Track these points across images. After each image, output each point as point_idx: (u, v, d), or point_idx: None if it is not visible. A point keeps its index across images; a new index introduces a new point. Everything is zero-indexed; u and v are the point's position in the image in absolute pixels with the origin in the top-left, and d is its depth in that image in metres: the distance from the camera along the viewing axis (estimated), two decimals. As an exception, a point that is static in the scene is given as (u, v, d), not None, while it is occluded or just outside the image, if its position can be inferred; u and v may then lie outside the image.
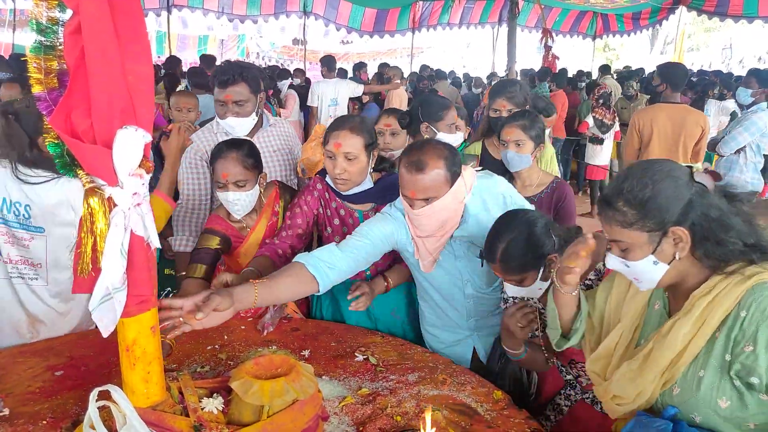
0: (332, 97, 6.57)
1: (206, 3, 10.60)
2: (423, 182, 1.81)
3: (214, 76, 2.63)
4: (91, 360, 1.93)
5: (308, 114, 7.40)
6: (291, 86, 8.32)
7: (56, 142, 1.17)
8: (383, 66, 9.18)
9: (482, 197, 2.02)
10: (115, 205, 1.18)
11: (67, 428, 1.53)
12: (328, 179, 2.20)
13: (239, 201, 2.16)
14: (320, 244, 2.31)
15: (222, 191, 2.16)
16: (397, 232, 2.01)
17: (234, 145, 2.18)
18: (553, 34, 11.92)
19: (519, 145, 2.52)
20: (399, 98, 7.39)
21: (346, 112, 6.72)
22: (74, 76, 1.14)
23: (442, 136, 2.66)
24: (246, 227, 2.28)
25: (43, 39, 1.15)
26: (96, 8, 1.11)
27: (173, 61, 8.60)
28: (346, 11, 11.59)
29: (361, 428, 1.57)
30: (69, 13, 1.16)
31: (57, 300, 2.10)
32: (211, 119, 2.73)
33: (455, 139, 2.89)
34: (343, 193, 2.18)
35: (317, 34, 16.41)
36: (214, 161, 2.17)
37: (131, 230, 1.20)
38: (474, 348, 2.20)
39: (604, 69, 10.37)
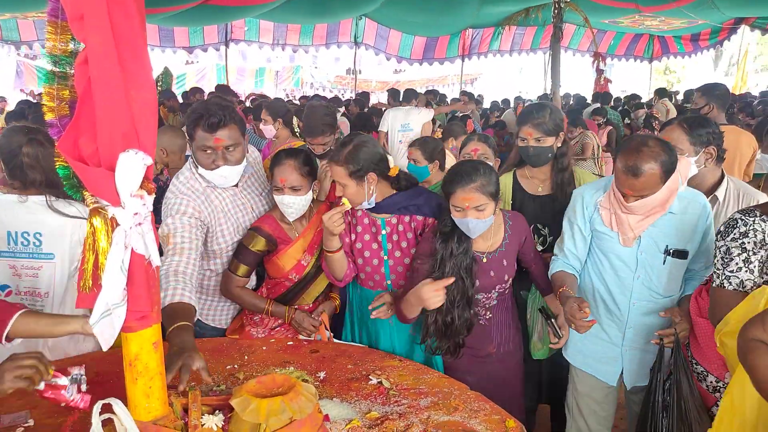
0: (403, 123, 6.61)
1: (261, 36, 11.06)
2: (638, 185, 1.95)
3: (192, 118, 2.17)
4: (115, 376, 1.99)
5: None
6: (343, 114, 8.52)
7: (65, 165, 1.24)
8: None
9: (685, 204, 2.10)
10: (117, 225, 1.24)
11: (83, 440, 1.59)
12: None
13: (294, 204, 2.28)
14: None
15: (279, 194, 2.27)
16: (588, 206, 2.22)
17: (291, 154, 2.31)
18: (606, 58, 11.75)
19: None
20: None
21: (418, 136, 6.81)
22: (82, 103, 1.22)
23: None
24: (295, 231, 2.38)
25: (56, 69, 1.24)
26: (101, 40, 1.19)
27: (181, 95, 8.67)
28: (395, 41, 11.83)
29: (363, 452, 1.56)
30: (82, 46, 1.26)
31: None
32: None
33: None
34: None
35: (370, 63, 16.79)
36: (273, 167, 2.28)
37: (132, 248, 1.25)
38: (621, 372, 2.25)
39: (661, 92, 10.08)
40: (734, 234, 1.78)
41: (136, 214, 1.25)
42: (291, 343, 2.31)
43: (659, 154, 1.90)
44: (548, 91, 12.56)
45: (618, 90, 14.08)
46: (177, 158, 3.29)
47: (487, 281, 2.21)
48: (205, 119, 2.11)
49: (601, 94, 9.57)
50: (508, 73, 23.12)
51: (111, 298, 1.22)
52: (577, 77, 17.34)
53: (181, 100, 8.68)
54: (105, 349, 1.28)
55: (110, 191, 1.22)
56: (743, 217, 1.78)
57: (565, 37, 8.16)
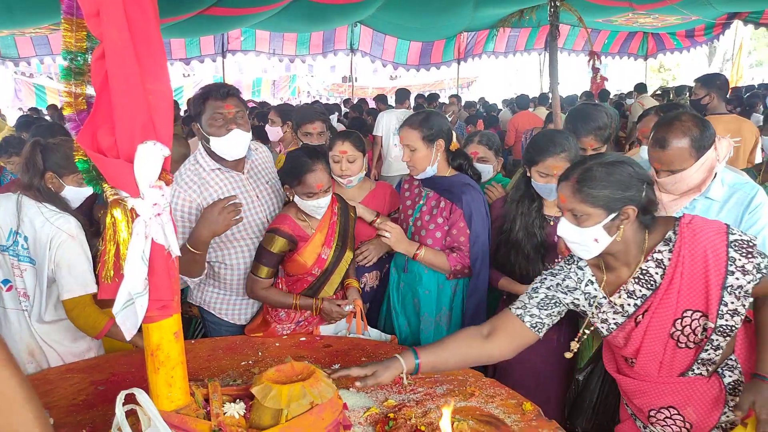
0: (398, 126, 6.59)
1: (258, 45, 11.10)
2: (664, 158, 1.95)
3: (201, 94, 2.29)
4: (131, 375, 2.02)
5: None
6: (339, 120, 8.58)
7: (84, 158, 1.26)
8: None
9: (731, 192, 2.05)
10: (137, 216, 1.26)
11: (104, 436, 1.60)
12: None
13: (327, 204, 2.33)
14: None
15: (312, 199, 2.28)
16: None
17: (316, 155, 2.32)
18: (601, 57, 11.78)
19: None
20: None
21: None
22: (99, 97, 1.25)
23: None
24: (311, 228, 2.41)
25: (73, 66, 1.27)
26: (118, 35, 1.22)
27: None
28: (391, 47, 11.85)
29: (383, 437, 1.57)
30: (97, 42, 1.28)
31: (44, 330, 2.23)
32: None
33: (483, 173, 2.85)
34: (417, 177, 2.50)
35: (366, 70, 16.88)
36: (303, 175, 2.25)
37: (152, 239, 1.27)
38: None
39: (640, 87, 10.14)
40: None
41: (155, 204, 1.27)
42: (304, 339, 2.33)
43: (690, 129, 1.91)
44: (545, 91, 12.69)
45: (613, 89, 14.15)
46: (178, 167, 3.32)
47: (552, 244, 2.29)
48: (215, 90, 2.26)
49: (589, 92, 9.64)
50: (504, 75, 23.22)
51: (133, 288, 1.24)
52: (572, 77, 17.42)
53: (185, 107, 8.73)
54: (128, 338, 1.29)
55: (129, 182, 1.24)
56: (563, 263, 1.83)
57: (559, 37, 8.19)
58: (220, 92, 2.25)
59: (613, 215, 1.57)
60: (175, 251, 1.33)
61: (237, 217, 2.15)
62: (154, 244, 1.28)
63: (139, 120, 1.25)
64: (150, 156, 1.24)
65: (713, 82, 4.04)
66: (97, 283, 2.00)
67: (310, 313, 2.41)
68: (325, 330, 2.42)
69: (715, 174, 2.01)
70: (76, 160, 1.28)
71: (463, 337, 1.77)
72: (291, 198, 2.35)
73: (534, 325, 1.75)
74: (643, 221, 1.63)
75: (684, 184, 1.99)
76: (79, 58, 1.29)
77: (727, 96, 4.41)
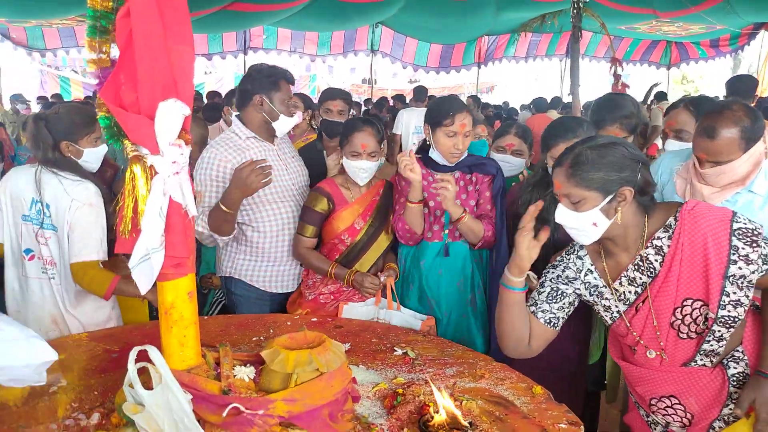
0: (417, 125, 6.45)
1: (279, 43, 11.20)
2: (712, 148, 1.86)
3: (277, 72, 2.51)
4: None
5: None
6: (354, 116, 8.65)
7: (106, 115, 1.28)
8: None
9: None
10: (156, 173, 1.28)
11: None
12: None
13: (370, 168, 2.44)
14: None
15: (356, 160, 2.41)
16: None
17: (369, 121, 2.48)
18: (623, 64, 11.71)
19: None
20: None
21: None
22: (123, 54, 1.27)
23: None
24: (353, 196, 2.52)
25: (98, 24, 1.29)
26: (143, -7, 1.23)
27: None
28: (411, 49, 11.87)
29: (391, 410, 1.57)
30: (122, 2, 1.30)
31: (69, 298, 2.28)
32: None
33: (512, 167, 2.86)
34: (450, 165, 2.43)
35: (386, 73, 16.91)
36: (351, 134, 2.42)
37: (170, 196, 1.29)
38: None
39: (660, 95, 10.13)
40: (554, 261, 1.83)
41: (174, 162, 1.28)
42: (315, 319, 2.33)
43: (741, 119, 1.82)
44: (563, 95, 12.65)
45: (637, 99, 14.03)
46: (197, 150, 3.35)
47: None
48: (287, 75, 2.52)
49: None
50: (524, 82, 23.15)
51: (150, 243, 1.25)
52: (592, 84, 17.31)
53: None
54: (143, 292, 1.31)
55: (150, 139, 1.26)
56: (563, 254, 1.81)
57: (581, 40, 8.18)
58: (292, 78, 2.53)
59: (609, 197, 1.54)
60: (192, 210, 1.34)
61: (266, 180, 2.26)
62: (172, 201, 1.30)
63: (162, 78, 1.27)
64: (171, 113, 1.26)
65: (731, 84, 4.02)
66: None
67: (337, 287, 2.48)
68: (355, 308, 2.44)
69: (761, 168, 1.94)
70: (99, 117, 1.29)
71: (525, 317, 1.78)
72: (340, 160, 2.49)
73: (548, 320, 1.74)
74: (642, 203, 1.60)
75: (728, 177, 1.91)
76: (104, 17, 1.31)
77: (749, 96, 4.35)
